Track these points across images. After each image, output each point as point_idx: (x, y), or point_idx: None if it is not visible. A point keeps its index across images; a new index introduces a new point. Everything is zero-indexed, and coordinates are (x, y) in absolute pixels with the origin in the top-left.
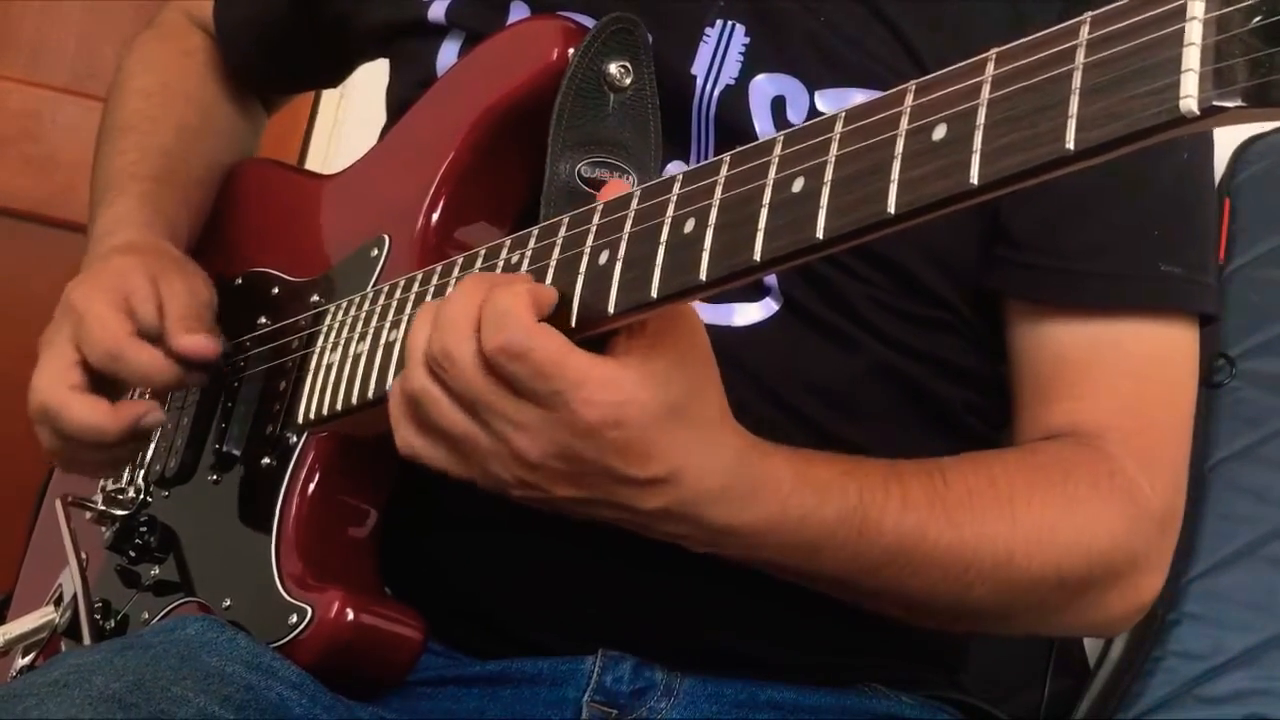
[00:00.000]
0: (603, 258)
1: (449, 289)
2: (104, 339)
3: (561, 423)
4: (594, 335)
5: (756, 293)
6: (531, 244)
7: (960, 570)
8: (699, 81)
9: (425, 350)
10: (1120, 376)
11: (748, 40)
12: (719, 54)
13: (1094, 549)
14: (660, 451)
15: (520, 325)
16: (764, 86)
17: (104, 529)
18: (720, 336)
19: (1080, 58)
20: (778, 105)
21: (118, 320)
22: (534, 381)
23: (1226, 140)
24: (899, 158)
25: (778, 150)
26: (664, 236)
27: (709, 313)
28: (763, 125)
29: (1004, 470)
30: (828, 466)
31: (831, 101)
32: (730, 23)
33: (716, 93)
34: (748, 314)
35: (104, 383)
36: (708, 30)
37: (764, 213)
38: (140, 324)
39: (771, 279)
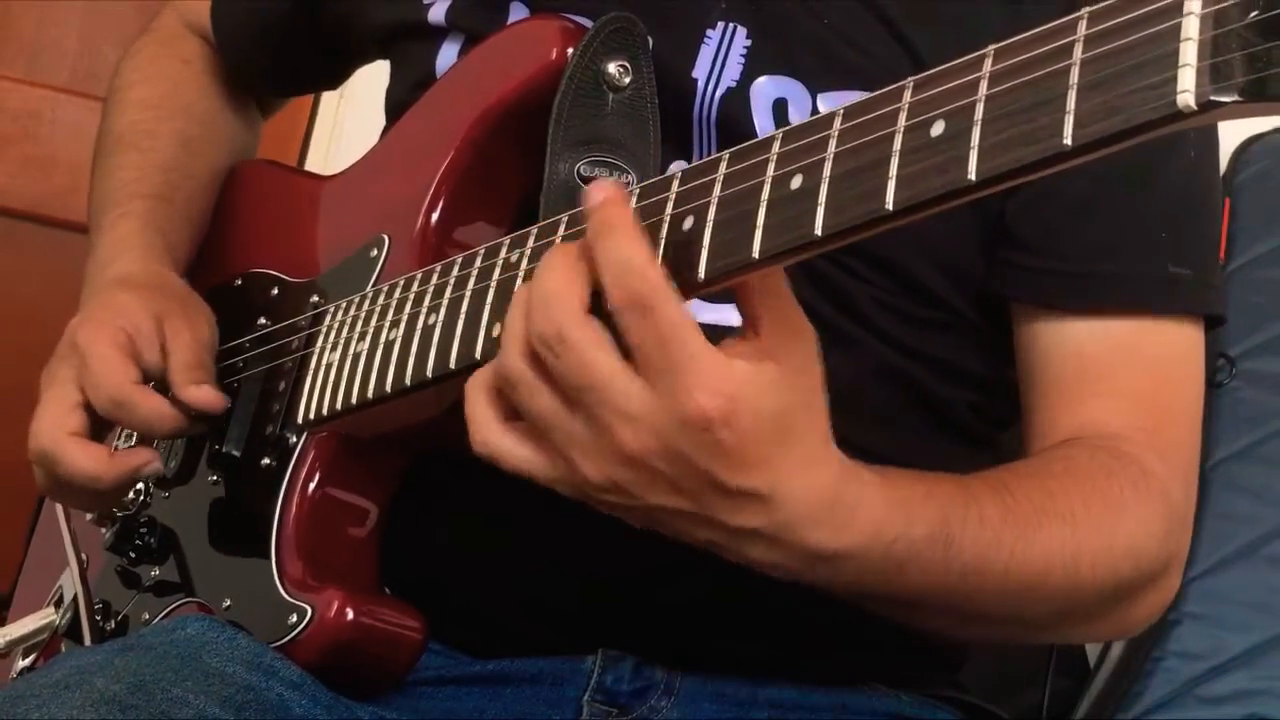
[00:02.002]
0: None
1: (448, 290)
2: (108, 385)
3: (668, 411)
4: None
5: None
6: (530, 243)
7: (1033, 582)
8: (700, 84)
9: (526, 335)
10: (1139, 376)
11: (749, 43)
12: (720, 57)
13: (1143, 554)
14: (762, 463)
15: (650, 278)
16: (766, 89)
17: (104, 530)
18: (719, 337)
19: (1078, 53)
20: (779, 108)
21: (122, 365)
22: (654, 348)
23: (1226, 140)
24: (897, 154)
25: (776, 147)
26: (662, 234)
27: (707, 313)
28: (764, 128)
29: (1059, 485)
30: (911, 487)
31: (834, 104)
32: (732, 25)
33: (718, 95)
34: None
35: (103, 421)
36: (709, 33)
37: (762, 210)
38: (143, 365)
39: None
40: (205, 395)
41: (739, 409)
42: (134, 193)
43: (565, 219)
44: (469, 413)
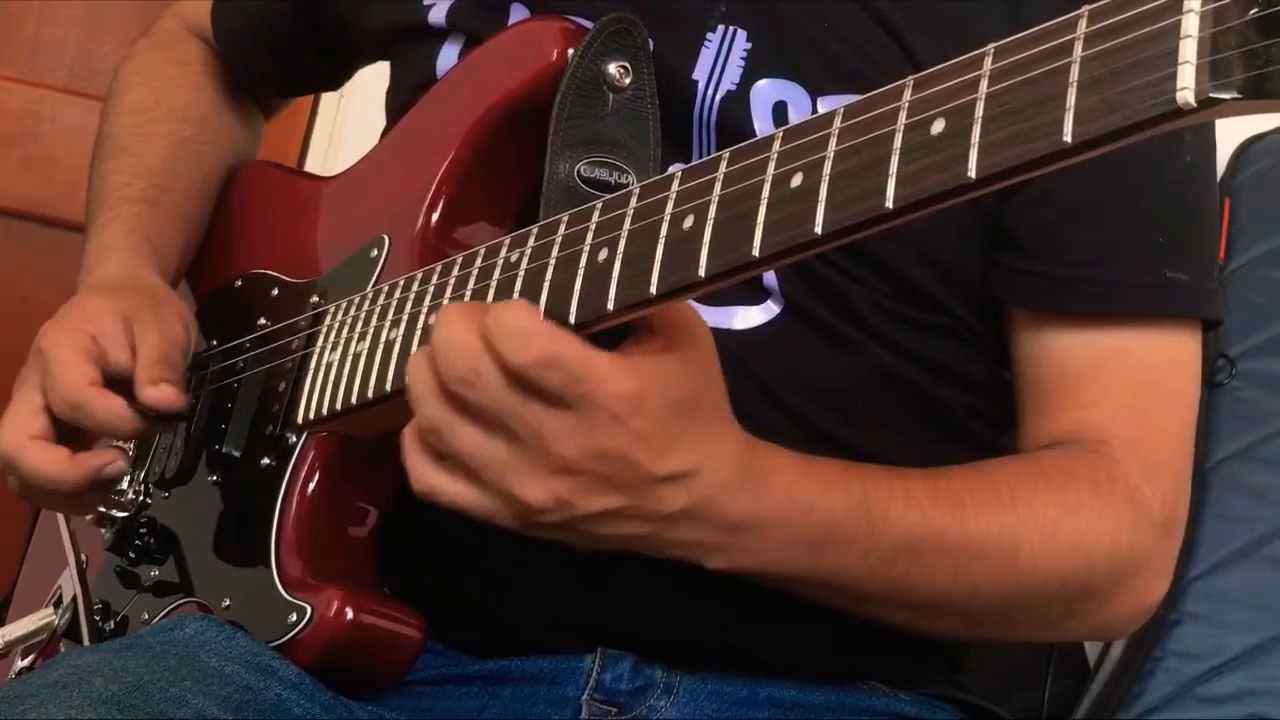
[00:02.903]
0: (602, 255)
1: (448, 289)
2: (65, 388)
3: (590, 419)
4: (594, 333)
5: (758, 295)
6: (531, 242)
7: (967, 566)
8: (700, 87)
9: (437, 384)
10: (1124, 384)
11: (749, 46)
12: (720, 60)
13: (1095, 553)
14: (678, 443)
15: (543, 336)
16: (766, 92)
17: (104, 530)
18: (720, 339)
19: (1078, 51)
20: (779, 111)
21: (81, 367)
22: (568, 387)
23: (1226, 140)
24: (897, 152)
25: (776, 146)
26: (663, 233)
27: (709, 315)
28: (764, 130)
29: (1005, 476)
30: (829, 463)
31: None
32: (732, 28)
33: (718, 99)
34: (748, 317)
35: (71, 428)
36: (709, 36)
37: (763, 208)
38: (110, 368)
39: (774, 282)
40: (163, 394)
41: (647, 397)
42: (123, 197)
43: (565, 218)
44: (406, 462)
